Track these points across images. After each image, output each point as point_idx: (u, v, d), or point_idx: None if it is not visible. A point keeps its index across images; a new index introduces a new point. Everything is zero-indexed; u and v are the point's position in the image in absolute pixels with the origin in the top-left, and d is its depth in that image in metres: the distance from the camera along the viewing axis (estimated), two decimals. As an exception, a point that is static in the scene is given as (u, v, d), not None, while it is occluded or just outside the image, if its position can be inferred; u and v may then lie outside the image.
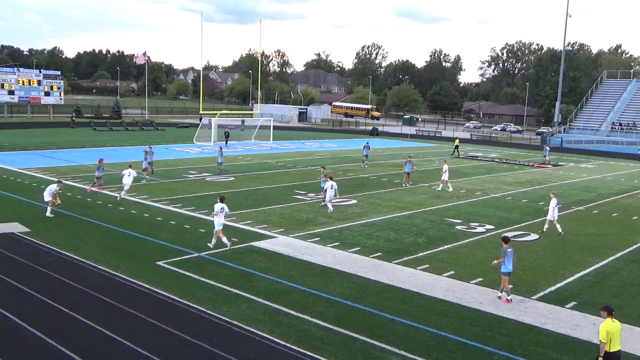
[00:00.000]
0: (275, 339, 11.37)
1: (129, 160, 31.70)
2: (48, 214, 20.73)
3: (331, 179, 24.43)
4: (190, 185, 28.80)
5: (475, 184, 33.95)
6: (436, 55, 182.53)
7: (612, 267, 17.71)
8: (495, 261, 14.47)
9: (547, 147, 53.68)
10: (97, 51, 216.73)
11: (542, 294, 14.84)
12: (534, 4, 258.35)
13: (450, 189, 30.27)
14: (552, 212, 21.48)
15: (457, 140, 55.85)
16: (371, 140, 55.48)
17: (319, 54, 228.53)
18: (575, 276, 16.51)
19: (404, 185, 31.56)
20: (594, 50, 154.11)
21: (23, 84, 69.65)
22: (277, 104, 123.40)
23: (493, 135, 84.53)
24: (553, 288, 15.36)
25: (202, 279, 14.75)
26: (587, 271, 17.07)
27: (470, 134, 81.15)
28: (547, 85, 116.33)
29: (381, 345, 11.36)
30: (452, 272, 16.22)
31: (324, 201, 24.20)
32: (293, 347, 11.08)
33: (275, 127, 59.93)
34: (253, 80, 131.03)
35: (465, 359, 11.04)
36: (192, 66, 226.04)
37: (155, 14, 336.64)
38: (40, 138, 49.88)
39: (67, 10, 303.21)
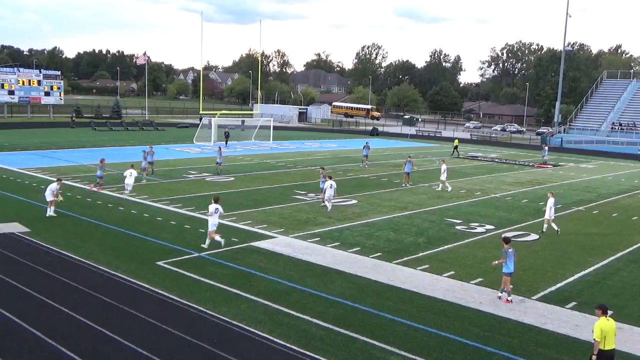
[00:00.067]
0: (275, 339, 11.37)
1: (129, 161, 31.73)
2: (50, 213, 20.72)
3: (330, 178, 24.44)
4: (190, 185, 28.81)
5: (475, 184, 33.95)
6: (436, 55, 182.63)
7: (612, 267, 17.71)
8: (496, 262, 14.47)
9: (546, 147, 53.67)
10: (97, 51, 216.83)
11: (542, 294, 14.85)
12: (534, 4, 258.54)
13: (449, 189, 30.30)
14: (549, 212, 21.53)
15: (456, 141, 55.85)
16: (371, 140, 55.49)
17: (319, 54, 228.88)
18: (575, 276, 16.51)
19: (403, 185, 31.57)
20: (594, 51, 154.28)
21: (23, 84, 69.65)
22: (277, 104, 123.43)
23: (493, 135, 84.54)
24: (553, 288, 15.36)
25: (202, 279, 14.75)
26: (587, 271, 17.07)
27: (470, 134, 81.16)
28: (547, 85, 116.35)
29: (381, 345, 11.36)
30: (452, 272, 16.22)
31: (323, 201, 24.20)
32: (293, 347, 11.08)
33: (275, 127, 59.95)
34: (253, 81, 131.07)
35: (465, 359, 11.04)
36: (192, 66, 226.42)
37: (155, 14, 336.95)
38: (40, 138, 49.89)
39: (67, 10, 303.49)
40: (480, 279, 15.68)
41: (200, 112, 59.30)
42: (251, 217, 22.12)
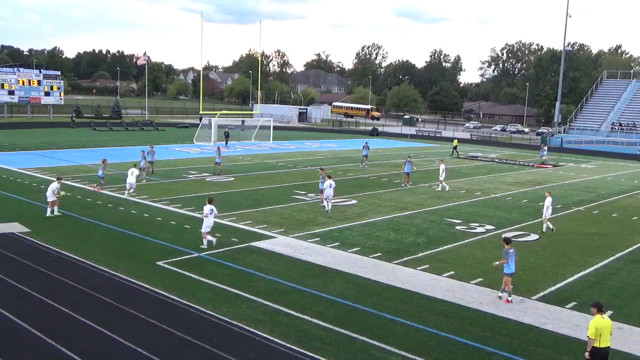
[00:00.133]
0: (275, 339, 11.37)
1: (129, 161, 31.78)
2: (49, 214, 20.71)
3: (329, 178, 24.44)
4: (190, 185, 28.80)
5: (475, 184, 33.95)
6: (436, 55, 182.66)
7: (612, 267, 17.71)
8: (497, 262, 14.45)
9: (545, 147, 53.64)
10: (97, 51, 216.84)
11: (542, 294, 14.85)
12: (534, 4, 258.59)
13: (447, 189, 30.35)
14: (547, 211, 21.58)
15: (455, 141, 55.87)
16: (371, 140, 55.50)
17: (319, 54, 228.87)
18: (575, 276, 16.51)
19: (403, 185, 31.58)
20: (594, 51, 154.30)
21: (23, 84, 69.63)
22: (277, 104, 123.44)
23: (493, 135, 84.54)
24: (553, 288, 15.36)
25: (202, 279, 14.75)
26: (587, 271, 17.07)
27: (470, 134, 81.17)
28: (547, 85, 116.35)
29: (381, 345, 11.36)
30: (452, 272, 16.22)
31: (323, 201, 24.20)
32: (293, 347, 11.08)
33: (275, 127, 59.95)
34: (253, 81, 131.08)
35: (465, 359, 11.04)
36: (192, 66, 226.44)
37: (155, 14, 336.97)
38: (40, 138, 49.88)
39: (67, 10, 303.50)
40: (480, 279, 15.69)
41: (200, 112, 59.29)
42: (251, 217, 22.12)
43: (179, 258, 16.41)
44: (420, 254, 18.04)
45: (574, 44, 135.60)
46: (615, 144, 64.76)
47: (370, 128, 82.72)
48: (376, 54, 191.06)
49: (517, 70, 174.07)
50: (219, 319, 12.25)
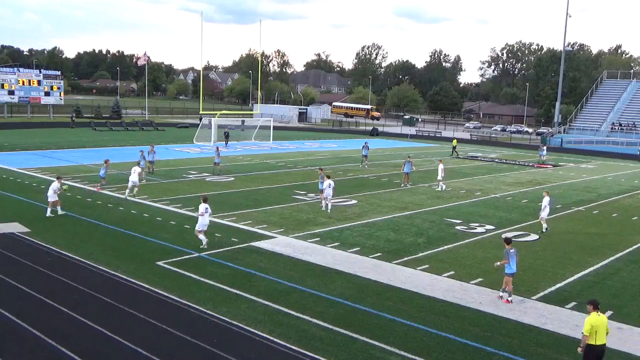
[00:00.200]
0: (275, 339, 11.37)
1: (129, 161, 31.79)
2: (49, 214, 20.73)
3: (329, 177, 24.46)
4: (190, 185, 28.80)
5: (476, 184, 33.96)
6: (436, 55, 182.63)
7: (612, 267, 17.71)
8: (498, 263, 14.44)
9: (544, 147, 53.57)
10: (97, 51, 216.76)
11: (542, 294, 14.85)
12: (534, 4, 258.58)
13: (443, 188, 30.43)
14: (544, 211, 21.62)
15: (454, 141, 55.88)
16: (371, 140, 55.50)
17: (319, 54, 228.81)
18: (575, 276, 16.51)
19: (403, 185, 31.58)
20: (594, 51, 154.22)
21: (23, 84, 69.61)
22: (277, 104, 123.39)
23: (493, 135, 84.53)
24: (553, 288, 15.36)
25: (202, 279, 14.75)
26: (587, 271, 17.07)
27: (470, 134, 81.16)
28: (547, 85, 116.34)
29: (381, 345, 11.36)
30: (452, 272, 16.22)
31: (324, 200, 24.22)
32: (293, 347, 11.08)
33: (275, 127, 59.94)
34: (253, 81, 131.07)
35: (465, 359, 11.04)
36: (192, 66, 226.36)
37: (155, 14, 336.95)
38: (40, 138, 49.88)
39: (67, 10, 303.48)
40: (480, 279, 15.69)
41: (200, 112, 59.29)
42: (251, 217, 22.12)
43: (179, 258, 16.41)
44: (420, 254, 18.04)
45: (574, 44, 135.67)
46: (615, 144, 64.76)
47: (370, 128, 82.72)
48: (376, 54, 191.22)
49: (517, 70, 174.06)
50: (219, 319, 12.25)
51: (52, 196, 20.77)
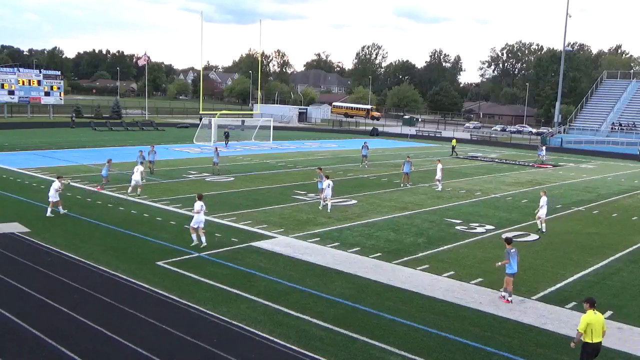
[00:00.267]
0: (275, 339, 11.37)
1: (129, 161, 31.81)
2: (49, 213, 20.77)
3: (327, 177, 24.48)
4: (190, 185, 28.79)
5: (475, 184, 33.96)
6: (436, 55, 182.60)
7: (612, 267, 17.71)
8: (500, 263, 14.43)
9: (543, 147, 53.50)
10: (97, 51, 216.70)
11: (542, 294, 14.85)
12: (534, 4, 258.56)
13: (439, 188, 30.46)
14: (542, 210, 21.64)
15: (454, 141, 55.89)
16: (371, 140, 55.48)
17: (319, 54, 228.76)
18: (575, 276, 16.51)
19: (402, 185, 31.59)
20: (594, 51, 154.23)
21: (23, 84, 69.62)
22: (277, 104, 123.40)
23: (493, 135, 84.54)
24: (553, 288, 15.36)
25: (202, 279, 14.75)
26: (587, 271, 17.07)
27: (470, 135, 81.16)
28: (547, 85, 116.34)
29: (381, 345, 11.36)
30: (452, 272, 16.22)
31: (323, 201, 24.25)
32: (293, 347, 11.08)
33: (275, 127, 59.94)
34: (253, 81, 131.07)
35: (465, 359, 11.04)
36: (192, 66, 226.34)
37: (155, 14, 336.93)
38: (40, 138, 49.88)
39: (67, 10, 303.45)
40: (480, 279, 15.69)
41: (200, 112, 59.29)
42: (251, 217, 22.12)
43: (179, 258, 16.41)
44: (420, 254, 18.04)
45: (574, 44, 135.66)
46: (615, 144, 64.75)
47: (370, 128, 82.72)
48: (376, 54, 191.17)
49: (517, 70, 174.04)
50: (219, 319, 12.25)
51: (53, 196, 20.80)
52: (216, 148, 35.74)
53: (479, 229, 21.84)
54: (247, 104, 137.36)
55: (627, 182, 38.51)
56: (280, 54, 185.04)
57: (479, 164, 45.86)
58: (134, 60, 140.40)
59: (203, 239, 17.60)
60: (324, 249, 18.16)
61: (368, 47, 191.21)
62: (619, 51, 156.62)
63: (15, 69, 71.10)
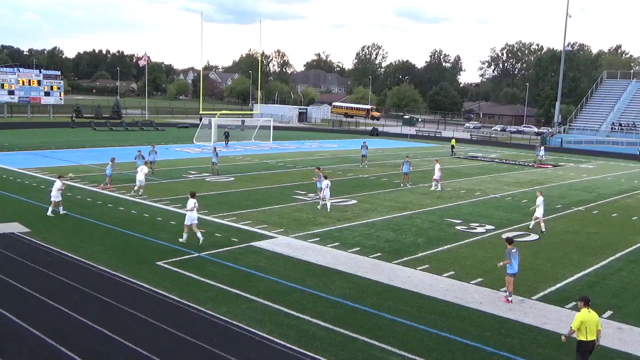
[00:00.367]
0: (275, 339, 11.37)
1: (129, 161, 31.79)
2: (50, 213, 20.81)
3: (326, 178, 24.49)
4: (190, 185, 28.72)
5: (475, 184, 33.96)
6: (436, 55, 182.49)
7: (612, 267, 17.71)
8: (501, 263, 14.43)
9: (542, 147, 53.42)
10: (97, 51, 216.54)
11: (542, 294, 14.85)
12: (534, 4, 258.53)
13: (433, 187, 30.52)
14: (540, 210, 21.64)
15: (453, 140, 55.88)
16: (372, 140, 55.46)
17: (319, 54, 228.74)
18: (575, 276, 16.51)
19: (402, 185, 31.59)
20: (594, 51, 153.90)
21: (23, 84, 69.61)
22: (277, 104, 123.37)
23: (493, 135, 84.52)
24: (553, 288, 15.36)
25: (202, 279, 14.75)
26: (587, 271, 17.07)
27: (470, 135, 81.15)
28: (547, 85, 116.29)
29: (381, 345, 11.36)
30: (452, 272, 16.22)
31: (322, 200, 24.27)
32: (293, 347, 11.08)
33: (275, 127, 59.93)
34: (253, 81, 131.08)
35: (465, 359, 11.04)
36: (192, 66, 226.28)
37: (155, 14, 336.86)
38: (40, 138, 49.88)
39: (67, 10, 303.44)
40: (480, 279, 15.69)
41: (200, 112, 59.31)
42: (251, 217, 22.12)
43: (179, 258, 16.41)
44: (420, 254, 18.03)
45: (574, 44, 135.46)
46: (615, 144, 64.74)
47: (370, 128, 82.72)
48: (376, 54, 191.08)
49: (517, 70, 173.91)
50: (219, 319, 12.24)
51: (55, 196, 20.87)
52: (215, 148, 35.76)
53: (479, 229, 21.84)
54: (247, 104, 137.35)
55: (627, 182, 38.51)
56: (280, 54, 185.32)
57: (479, 164, 45.86)
58: (134, 60, 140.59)
59: (198, 234, 17.73)
60: (324, 249, 18.16)
61: (368, 47, 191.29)
62: (619, 51, 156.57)
63: (15, 69, 71.10)
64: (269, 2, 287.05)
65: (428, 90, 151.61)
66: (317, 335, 11.69)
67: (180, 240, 17.84)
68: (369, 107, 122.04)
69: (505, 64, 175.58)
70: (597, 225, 23.72)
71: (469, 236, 20.71)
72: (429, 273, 16.13)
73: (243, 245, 18.09)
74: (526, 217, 24.52)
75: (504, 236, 16.79)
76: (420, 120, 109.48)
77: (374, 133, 76.80)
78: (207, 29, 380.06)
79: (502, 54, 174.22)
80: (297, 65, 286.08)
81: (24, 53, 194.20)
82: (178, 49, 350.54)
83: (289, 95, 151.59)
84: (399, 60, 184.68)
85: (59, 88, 73.69)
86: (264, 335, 11.54)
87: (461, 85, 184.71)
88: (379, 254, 17.82)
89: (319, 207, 24.11)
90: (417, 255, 17.86)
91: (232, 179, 31.63)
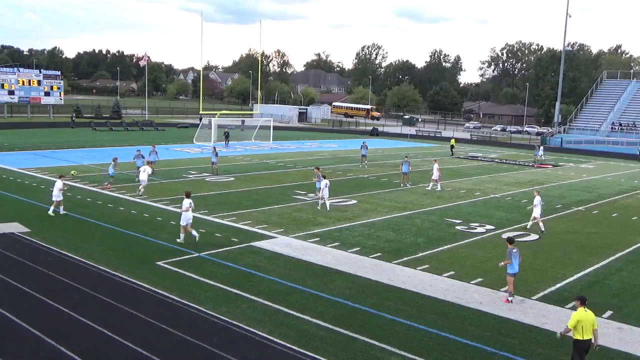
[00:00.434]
0: (275, 339, 11.37)
1: (129, 161, 31.78)
2: (51, 212, 20.85)
3: (325, 177, 24.49)
4: (190, 186, 28.72)
5: (475, 184, 33.96)
6: (436, 55, 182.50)
7: (612, 267, 17.71)
8: (502, 263, 14.43)
9: (541, 147, 53.36)
10: (97, 51, 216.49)
11: (542, 294, 14.85)
12: (534, 4, 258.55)
13: (429, 186, 30.55)
14: (538, 210, 21.64)
15: (452, 140, 55.87)
16: (372, 140, 55.44)
17: (319, 54, 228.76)
18: (575, 276, 16.51)
19: (402, 185, 31.59)
20: (594, 51, 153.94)
21: (23, 84, 69.61)
22: (277, 104, 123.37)
23: (493, 135, 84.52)
24: (553, 288, 15.36)
25: (202, 279, 14.75)
26: (587, 271, 17.07)
27: (470, 135, 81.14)
28: (547, 85, 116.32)
29: (381, 345, 11.36)
30: (452, 272, 16.23)
31: (321, 199, 24.27)
32: (293, 347, 11.08)
33: (275, 127, 59.93)
34: (253, 81, 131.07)
35: (465, 359, 11.04)
36: (192, 66, 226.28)
37: (155, 14, 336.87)
38: (40, 138, 49.88)
39: (67, 10, 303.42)
40: (480, 279, 15.69)
41: (200, 112, 59.31)
42: (251, 217, 22.12)
43: (179, 258, 16.42)
44: (420, 254, 18.04)
45: (574, 44, 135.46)
46: (615, 144, 64.74)
47: (370, 128, 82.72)
48: (376, 54, 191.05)
49: (517, 70, 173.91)
50: (219, 319, 12.25)
51: (57, 195, 20.92)
52: (214, 148, 35.76)
53: (479, 229, 21.84)
54: (247, 104, 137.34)
55: (627, 182, 38.51)
56: (280, 54, 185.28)
57: (479, 164, 45.86)
58: (134, 60, 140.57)
59: (194, 232, 17.80)
60: (324, 249, 18.16)
61: (368, 47, 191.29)
62: (619, 51, 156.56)
63: (15, 69, 71.09)
64: (269, 2, 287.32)
65: (428, 90, 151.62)
66: (317, 335, 11.69)
67: (178, 240, 17.87)
68: (369, 107, 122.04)
69: (505, 64, 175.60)
70: (597, 225, 23.73)
71: (469, 236, 20.71)
72: (429, 273, 16.13)
73: (243, 245, 18.09)
74: (526, 217, 24.52)
75: (505, 236, 16.79)
76: (420, 120, 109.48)
77: (374, 133, 76.80)
78: (207, 29, 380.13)
79: (502, 54, 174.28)
80: (297, 65, 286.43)
81: (24, 53, 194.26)
82: (178, 49, 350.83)
83: (289, 95, 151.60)
84: (399, 60, 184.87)
85: (59, 88, 73.69)
86: (264, 335, 11.55)
87: (461, 85, 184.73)
88: (379, 254, 17.82)
89: (318, 207, 24.13)
90: (417, 255, 17.86)
91: (232, 179, 31.63)
